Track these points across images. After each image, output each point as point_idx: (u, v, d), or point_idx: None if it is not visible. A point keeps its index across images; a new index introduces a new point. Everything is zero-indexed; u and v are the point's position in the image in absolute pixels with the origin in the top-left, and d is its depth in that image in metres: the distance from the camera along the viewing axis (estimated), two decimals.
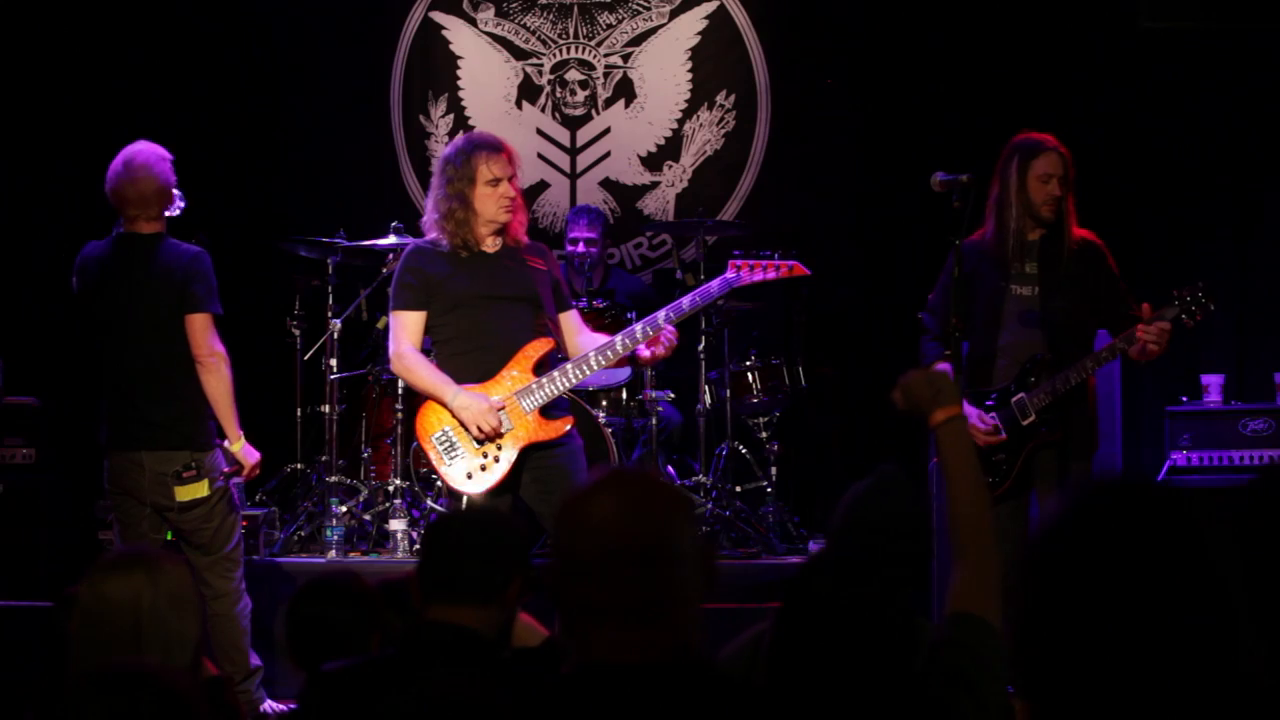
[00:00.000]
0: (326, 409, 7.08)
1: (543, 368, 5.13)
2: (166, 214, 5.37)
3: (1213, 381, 6.80)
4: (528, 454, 5.08)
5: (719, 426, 7.15)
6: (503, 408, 5.04)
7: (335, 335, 7.08)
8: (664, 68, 8.24)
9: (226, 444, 5.32)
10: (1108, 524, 1.63)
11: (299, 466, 7.22)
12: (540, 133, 8.29)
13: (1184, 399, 6.82)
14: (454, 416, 5.03)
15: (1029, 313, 5.32)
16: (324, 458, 7.03)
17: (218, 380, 5.23)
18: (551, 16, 8.30)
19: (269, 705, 5.42)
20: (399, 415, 6.89)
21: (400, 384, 6.71)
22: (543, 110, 8.30)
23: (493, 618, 2.83)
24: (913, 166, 6.07)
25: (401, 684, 2.68)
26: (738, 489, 7.06)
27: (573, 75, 8.29)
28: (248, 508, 6.44)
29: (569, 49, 8.29)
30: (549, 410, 5.11)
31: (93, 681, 2.19)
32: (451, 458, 5.06)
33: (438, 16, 8.31)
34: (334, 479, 6.92)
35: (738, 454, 7.17)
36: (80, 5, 7.95)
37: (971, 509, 2.57)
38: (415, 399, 5.66)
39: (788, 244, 5.93)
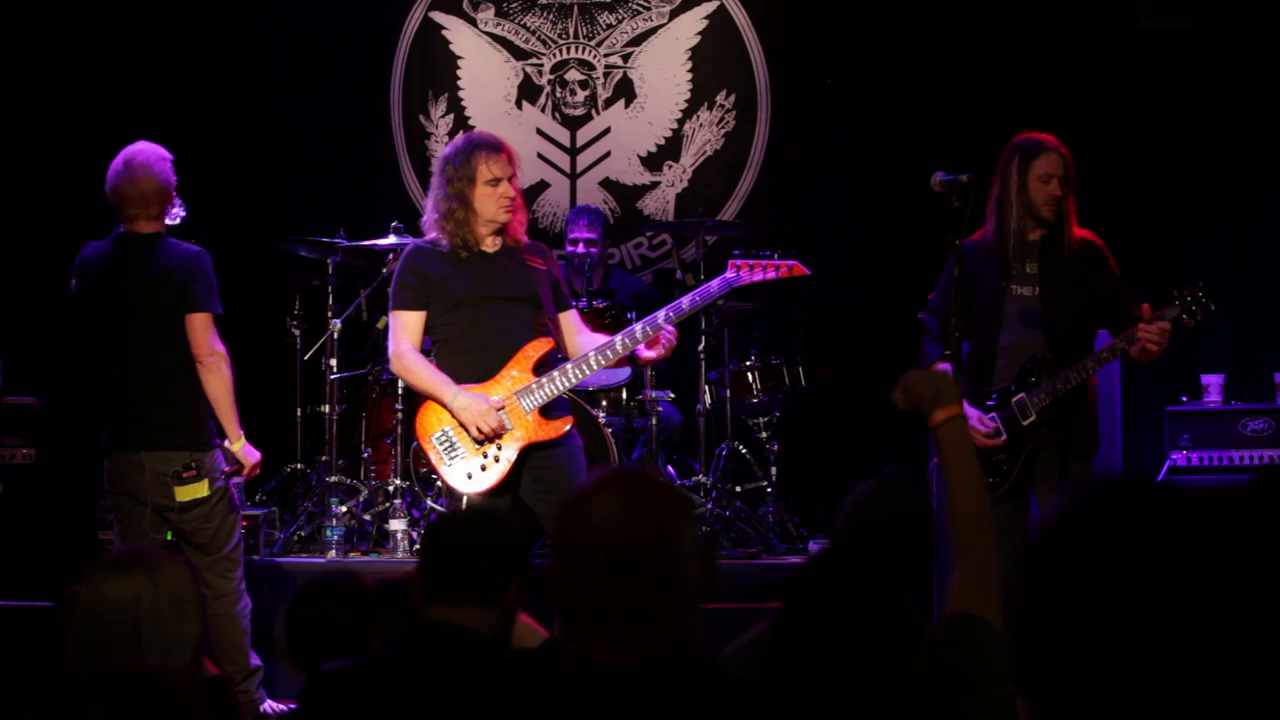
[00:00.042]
0: (326, 409, 7.09)
1: (542, 368, 5.13)
2: (167, 223, 5.37)
3: (1213, 381, 6.81)
4: (528, 454, 5.08)
5: (719, 426, 7.15)
6: (502, 408, 5.04)
7: (335, 335, 7.08)
8: (664, 68, 8.24)
9: (227, 444, 5.32)
10: (1108, 524, 1.62)
11: (299, 466, 7.22)
12: (540, 133, 8.29)
13: (1184, 399, 6.83)
14: (454, 417, 5.04)
15: (1029, 313, 5.32)
16: (324, 458, 7.03)
17: (218, 380, 5.23)
18: (551, 16, 8.30)
19: (269, 705, 5.42)
20: (399, 415, 6.89)
21: (400, 384, 6.71)
22: (543, 110, 8.30)
23: (493, 618, 2.83)
24: (913, 166, 6.07)
25: (401, 684, 2.68)
26: (738, 489, 7.06)
27: (573, 75, 8.29)
28: (248, 508, 6.44)
29: (569, 49, 8.29)
30: (549, 410, 5.11)
31: (93, 681, 2.19)
32: (451, 458, 5.06)
33: (438, 16, 8.31)
34: (334, 479, 6.92)
35: (738, 454, 7.17)
36: (80, 5, 7.95)
37: (971, 509, 2.57)
38: (415, 399, 5.66)
39: (788, 244, 5.94)
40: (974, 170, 5.15)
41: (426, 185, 5.85)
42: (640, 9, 8.24)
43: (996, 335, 5.35)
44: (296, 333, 7.21)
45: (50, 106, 7.86)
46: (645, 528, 2.04)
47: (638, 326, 5.22)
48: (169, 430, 5.23)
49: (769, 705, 2.14)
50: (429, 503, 6.78)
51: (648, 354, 5.22)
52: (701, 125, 8.22)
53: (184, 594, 2.88)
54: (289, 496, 7.15)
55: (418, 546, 6.30)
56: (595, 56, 8.28)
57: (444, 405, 5.04)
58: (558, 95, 8.29)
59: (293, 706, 3.66)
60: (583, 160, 8.30)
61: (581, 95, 8.28)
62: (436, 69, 8.31)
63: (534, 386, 5.08)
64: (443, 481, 5.19)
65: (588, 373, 5.20)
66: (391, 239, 6.92)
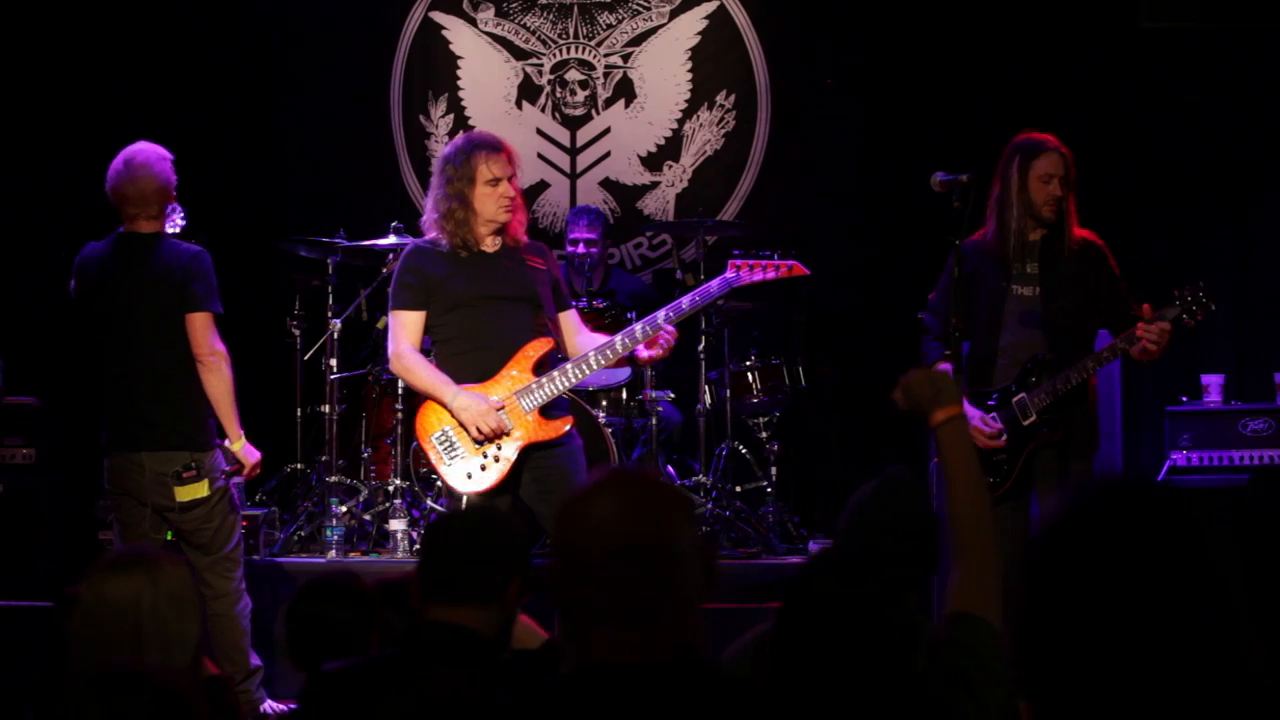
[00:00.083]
0: (326, 409, 7.08)
1: (542, 367, 5.13)
2: (167, 229, 5.37)
3: (1213, 381, 6.81)
4: (527, 454, 5.08)
5: (719, 426, 7.15)
6: (502, 408, 5.04)
7: (335, 335, 7.08)
8: (664, 68, 8.24)
9: (227, 443, 5.32)
10: (1108, 524, 1.63)
11: (299, 466, 7.22)
12: (540, 133, 8.29)
13: (1184, 399, 6.82)
14: (454, 417, 5.04)
15: (1030, 313, 5.32)
16: (324, 458, 7.03)
17: (218, 379, 5.23)
18: (551, 16, 8.30)
19: (269, 705, 5.42)
20: (399, 415, 6.89)
21: (400, 384, 6.71)
22: (543, 110, 8.30)
23: (492, 618, 2.83)
24: (913, 166, 6.07)
25: (401, 684, 2.68)
26: (738, 489, 7.06)
27: (573, 75, 8.29)
28: (248, 508, 6.45)
29: (569, 49, 8.29)
30: (549, 410, 5.11)
31: (92, 681, 2.19)
32: (451, 458, 5.06)
33: (438, 16, 8.31)
34: (334, 479, 6.92)
35: (738, 454, 7.17)
36: (80, 5, 7.95)
37: (972, 509, 2.58)
38: (415, 399, 5.66)
39: (788, 244, 5.94)
40: (974, 170, 5.15)
41: (426, 185, 5.85)
42: (640, 9, 8.24)
43: (997, 335, 5.35)
44: (296, 333, 7.21)
45: (50, 106, 7.86)
46: (645, 528, 2.04)
47: (637, 326, 5.22)
48: (169, 430, 5.23)
49: (769, 705, 2.14)
50: (429, 503, 6.78)
51: (647, 354, 5.22)
52: (701, 125, 8.22)
53: (184, 594, 2.88)
54: (289, 496, 7.15)
55: (418, 546, 6.30)
56: (595, 56, 8.28)
57: (444, 405, 5.04)
58: (558, 95, 8.29)
59: (293, 706, 3.66)
60: (583, 160, 8.30)
61: (581, 95, 8.28)
62: (436, 69, 8.31)
63: (534, 386, 5.07)
64: (442, 481, 5.19)
65: (588, 373, 5.20)
66: (391, 239, 6.92)
